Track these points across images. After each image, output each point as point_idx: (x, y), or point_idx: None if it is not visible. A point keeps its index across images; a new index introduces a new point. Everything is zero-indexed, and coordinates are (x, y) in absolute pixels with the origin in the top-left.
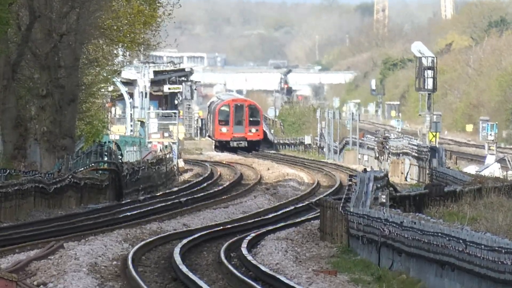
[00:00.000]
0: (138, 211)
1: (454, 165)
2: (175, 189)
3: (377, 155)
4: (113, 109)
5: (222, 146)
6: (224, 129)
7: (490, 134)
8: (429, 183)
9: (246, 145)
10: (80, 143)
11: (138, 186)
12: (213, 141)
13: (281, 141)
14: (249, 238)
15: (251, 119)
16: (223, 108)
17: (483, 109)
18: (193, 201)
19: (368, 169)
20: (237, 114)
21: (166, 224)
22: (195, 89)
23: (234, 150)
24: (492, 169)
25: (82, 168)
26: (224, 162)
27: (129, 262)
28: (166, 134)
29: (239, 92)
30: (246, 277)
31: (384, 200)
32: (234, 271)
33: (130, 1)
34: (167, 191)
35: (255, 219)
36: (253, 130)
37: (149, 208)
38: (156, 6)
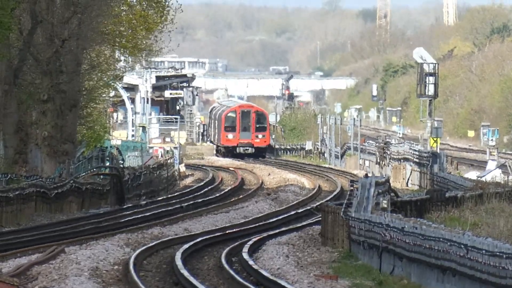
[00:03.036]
0: (140, 216)
1: (455, 170)
2: (177, 194)
3: (378, 161)
4: (114, 114)
5: (228, 152)
6: (230, 135)
7: (492, 140)
8: (431, 188)
9: (253, 151)
10: (82, 148)
11: (139, 191)
12: (214, 146)
13: (282, 147)
14: (250, 243)
15: (257, 125)
16: (229, 114)
17: (485, 115)
18: (194, 206)
19: (369, 174)
20: (244, 120)
21: (167, 229)
22: (197, 95)
23: (240, 157)
24: (494, 174)
25: (84, 173)
26: (231, 169)
27: (131, 266)
28: (167, 139)
29: (240, 98)
30: (247, 282)
31: (385, 205)
32: (235, 275)
33: (132, 6)
34: (169, 196)
35: (256, 224)
36: (260, 136)
37: (150, 213)
38: (162, 10)
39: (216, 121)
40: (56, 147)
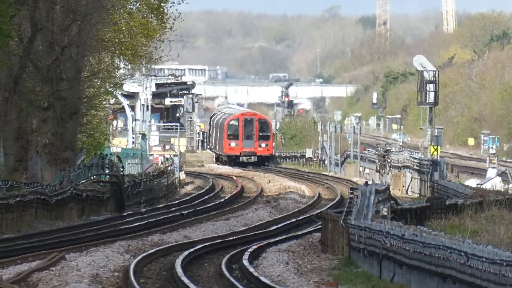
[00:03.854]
0: (140, 223)
1: (456, 178)
2: (177, 201)
3: (378, 168)
4: (114, 121)
5: (231, 161)
6: (233, 144)
7: (492, 148)
8: (431, 196)
9: (256, 160)
10: (82, 156)
11: (139, 199)
12: (214, 154)
13: (282, 154)
14: (250, 250)
15: (260, 133)
16: (232, 122)
17: (485, 123)
18: (194, 213)
19: (370, 182)
20: (247, 129)
21: (167, 236)
22: (196, 102)
23: (243, 165)
24: (494, 182)
25: (84, 181)
26: (231, 176)
27: (131, 273)
28: (167, 147)
29: (240, 105)
30: None
31: (385, 213)
32: (236, 282)
33: (132, 14)
34: (169, 203)
35: (257, 232)
36: (263, 145)
37: (150, 220)
38: (162, 17)
39: (218, 129)
40: (56, 154)
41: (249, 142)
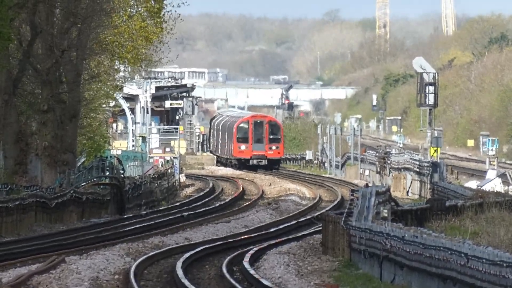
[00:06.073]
0: (140, 225)
1: (456, 180)
2: (177, 203)
3: (378, 170)
4: (114, 124)
5: (240, 164)
6: (243, 147)
7: (491, 149)
8: (431, 197)
9: (266, 163)
10: (82, 158)
11: (140, 201)
12: (215, 157)
13: (283, 157)
14: (251, 252)
15: (271, 136)
16: (242, 125)
17: (484, 125)
18: (195, 215)
19: (370, 184)
20: (257, 132)
21: (168, 238)
22: (196, 105)
23: (253, 169)
24: (493, 183)
25: (84, 183)
26: (232, 179)
27: (131, 276)
28: (167, 149)
29: (241, 108)
30: None
31: (386, 215)
32: (236, 285)
33: (132, 17)
34: (169, 205)
35: (257, 234)
36: (273, 148)
37: (151, 222)
38: (160, 21)
39: (226, 132)
40: (56, 157)
41: (259, 146)
